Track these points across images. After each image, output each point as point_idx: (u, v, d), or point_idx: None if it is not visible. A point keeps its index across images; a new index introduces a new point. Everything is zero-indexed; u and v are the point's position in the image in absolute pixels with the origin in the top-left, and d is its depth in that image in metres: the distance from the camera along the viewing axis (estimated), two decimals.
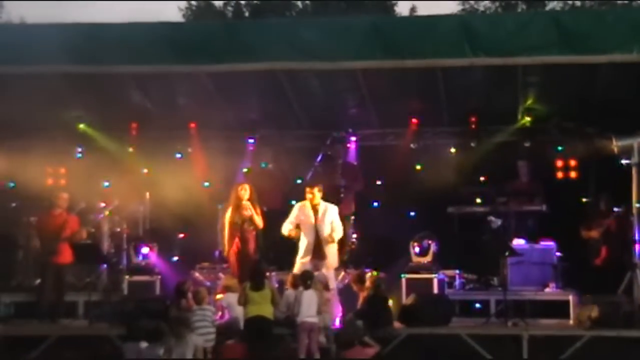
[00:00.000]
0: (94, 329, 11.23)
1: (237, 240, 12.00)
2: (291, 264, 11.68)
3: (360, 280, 11.33)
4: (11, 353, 10.76)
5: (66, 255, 12.19)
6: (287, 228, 11.68)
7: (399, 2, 32.50)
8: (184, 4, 32.54)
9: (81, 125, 14.02)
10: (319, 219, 11.53)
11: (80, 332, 11.23)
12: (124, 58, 10.79)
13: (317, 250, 11.45)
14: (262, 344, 9.98)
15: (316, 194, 11.61)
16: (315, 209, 11.58)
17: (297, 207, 11.77)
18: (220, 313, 11.04)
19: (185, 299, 10.60)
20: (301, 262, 11.46)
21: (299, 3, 32.13)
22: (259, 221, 12.05)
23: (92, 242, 13.12)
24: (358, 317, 10.58)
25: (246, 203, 11.93)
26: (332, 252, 11.56)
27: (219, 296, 11.44)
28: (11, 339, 10.85)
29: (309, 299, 10.33)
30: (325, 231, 11.47)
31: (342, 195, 12.95)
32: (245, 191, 12.05)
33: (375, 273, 11.92)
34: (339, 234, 11.58)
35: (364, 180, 13.54)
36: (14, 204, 13.98)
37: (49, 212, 12.42)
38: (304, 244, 11.54)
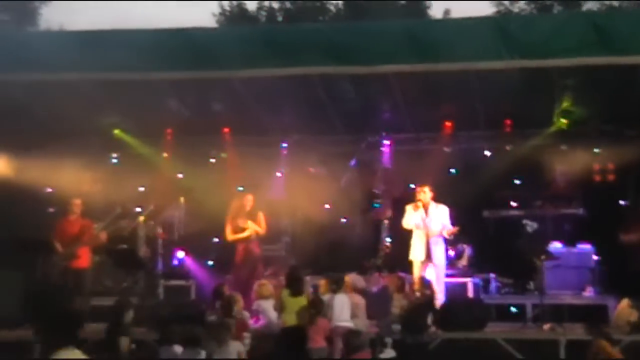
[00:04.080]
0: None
1: (242, 247, 12.27)
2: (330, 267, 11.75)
3: (401, 284, 11.26)
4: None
5: (84, 260, 12.30)
6: (407, 223, 11.92)
7: (433, 5, 32.42)
8: (217, 10, 32.69)
9: (117, 131, 14.12)
10: (429, 217, 11.70)
11: None
12: (159, 64, 10.86)
13: (427, 250, 11.68)
14: (297, 355, 9.92)
15: (427, 193, 11.69)
16: (425, 208, 11.63)
17: (409, 207, 11.93)
18: (254, 318, 11.05)
19: (219, 301, 10.61)
20: (419, 262, 11.74)
21: (333, 7, 32.13)
22: (259, 228, 12.47)
23: (129, 247, 13.21)
24: (400, 320, 10.47)
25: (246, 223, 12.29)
26: (440, 249, 11.72)
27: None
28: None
29: (341, 303, 10.30)
30: (435, 228, 11.63)
31: (379, 200, 12.95)
32: (248, 202, 12.39)
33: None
34: (449, 230, 11.75)
35: (402, 186, 13.53)
36: (51, 210, 14.10)
37: (65, 219, 12.55)
38: (416, 243, 11.75)
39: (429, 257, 11.71)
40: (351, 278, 11.20)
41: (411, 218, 11.84)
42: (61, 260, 12.28)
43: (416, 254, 11.80)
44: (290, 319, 10.37)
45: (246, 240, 12.47)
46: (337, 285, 10.56)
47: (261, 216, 12.62)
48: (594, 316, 11.66)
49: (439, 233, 11.71)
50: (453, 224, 11.91)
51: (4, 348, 10.80)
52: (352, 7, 30.96)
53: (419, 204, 11.81)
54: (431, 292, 10.99)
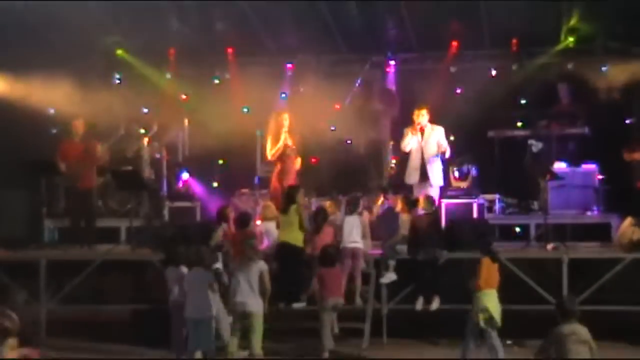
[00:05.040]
0: (137, 255, 11.38)
1: (278, 167, 12.00)
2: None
3: (410, 203, 11.16)
4: (57, 277, 10.96)
5: (90, 180, 12.34)
6: (404, 146, 11.79)
7: None
8: None
9: (119, 51, 14.00)
10: (424, 140, 11.62)
11: (123, 257, 11.39)
12: None
13: (423, 171, 11.60)
14: (288, 269, 9.98)
15: (424, 115, 11.63)
16: (422, 130, 11.64)
17: (407, 130, 11.80)
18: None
19: (227, 224, 10.63)
20: (410, 183, 11.70)
21: None
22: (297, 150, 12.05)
23: (132, 169, 13.22)
24: (409, 238, 10.47)
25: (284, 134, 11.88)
26: (437, 170, 11.68)
27: (258, 222, 11.49)
28: (56, 263, 11.03)
29: (350, 225, 10.34)
30: (431, 150, 11.56)
31: (378, 119, 12.87)
32: (285, 120, 12.00)
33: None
34: (446, 150, 11.65)
35: (401, 105, 13.43)
36: (54, 130, 14.07)
37: (69, 140, 12.53)
38: (411, 166, 11.70)
39: (425, 178, 11.66)
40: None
41: (409, 141, 11.75)
42: (66, 180, 12.33)
43: (410, 177, 11.75)
44: (280, 237, 10.41)
45: (284, 156, 12.15)
46: (354, 207, 10.57)
47: (299, 137, 12.28)
48: (597, 234, 11.72)
49: (436, 153, 11.62)
50: (451, 145, 11.88)
51: (12, 269, 10.92)
52: None
53: (417, 127, 11.69)
54: (437, 210, 11.00)
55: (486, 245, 9.15)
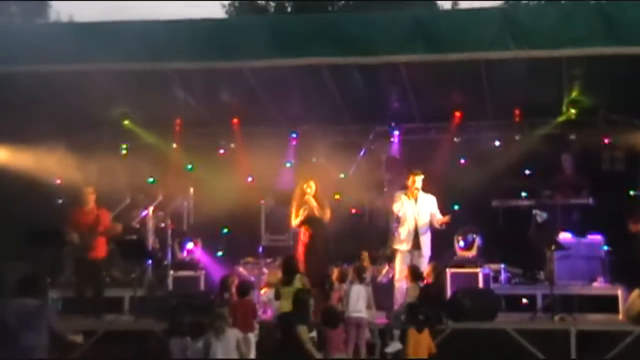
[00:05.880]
0: (140, 324, 11.33)
1: (304, 233, 12.04)
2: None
3: (417, 275, 11.18)
4: (59, 348, 10.87)
5: (101, 250, 12.34)
6: (398, 209, 11.88)
7: None
8: (226, 1, 32.61)
9: (126, 122, 14.13)
10: (418, 207, 11.75)
11: (126, 327, 11.33)
12: (168, 55, 10.88)
13: (415, 238, 11.66)
14: (290, 339, 9.92)
15: (420, 181, 11.78)
16: (415, 197, 11.69)
17: (398, 194, 11.92)
18: (262, 309, 11.06)
19: (228, 293, 10.61)
20: (400, 249, 11.73)
21: None
22: (324, 214, 12.10)
23: (137, 238, 13.24)
24: (416, 308, 10.44)
25: (309, 198, 11.93)
26: (428, 239, 11.75)
27: (262, 291, 11.45)
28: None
29: (356, 294, 10.31)
30: (424, 219, 11.66)
31: (385, 189, 12.92)
32: (310, 188, 12.09)
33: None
34: (442, 224, 11.76)
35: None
36: (60, 200, 14.14)
37: (80, 209, 12.56)
38: (403, 232, 11.71)
39: (417, 246, 11.69)
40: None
41: (403, 205, 11.82)
42: (77, 251, 12.31)
43: (402, 243, 11.76)
44: (282, 307, 10.37)
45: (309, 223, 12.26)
46: (359, 276, 10.58)
47: (326, 202, 12.33)
48: (602, 305, 11.66)
49: (428, 224, 11.68)
50: (453, 213, 11.92)
51: None
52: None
53: (415, 192, 11.79)
54: (443, 281, 11.01)
55: (410, 317, 9.41)
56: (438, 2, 31.96)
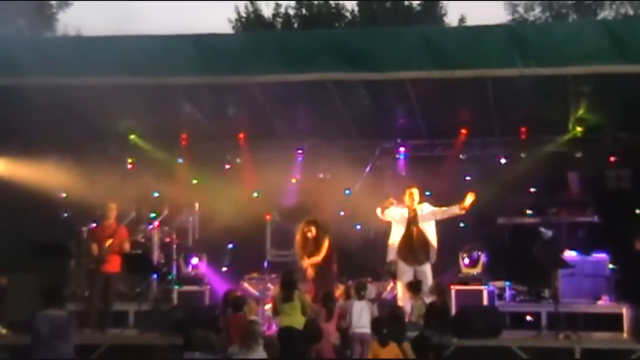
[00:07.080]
0: (145, 339, 11.32)
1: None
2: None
3: (415, 288, 11.24)
4: None
5: (114, 264, 12.35)
6: (385, 213, 12.14)
7: (448, 13, 32.31)
8: (233, 16, 32.74)
9: (132, 136, 14.16)
10: (420, 221, 11.98)
11: (131, 342, 11.32)
12: (175, 69, 10.91)
13: (411, 250, 11.89)
14: (292, 354, 9.90)
15: (416, 195, 11.94)
16: (414, 212, 12.02)
17: (386, 202, 12.11)
18: (267, 324, 11.05)
19: (231, 308, 10.61)
20: (398, 265, 12.01)
21: (348, 14, 32.08)
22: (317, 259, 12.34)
23: (142, 252, 13.26)
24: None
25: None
26: (434, 248, 12.00)
27: (267, 307, 11.43)
28: None
29: (360, 310, 10.31)
30: (430, 229, 12.00)
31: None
32: (311, 232, 12.26)
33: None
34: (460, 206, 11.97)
35: None
36: (65, 214, 14.17)
37: (101, 223, 12.67)
38: (394, 241, 11.98)
39: (416, 261, 11.81)
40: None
41: (393, 212, 11.93)
42: (92, 262, 12.32)
43: (394, 253, 11.98)
44: (283, 322, 10.36)
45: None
46: (363, 292, 10.58)
47: (326, 242, 12.51)
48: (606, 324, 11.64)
49: (434, 234, 11.98)
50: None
51: (20, 351, 10.83)
52: (366, 11, 30.92)
53: (411, 207, 11.91)
54: (447, 298, 11.01)
55: (376, 329, 9.56)
56: (445, 18, 32.13)
